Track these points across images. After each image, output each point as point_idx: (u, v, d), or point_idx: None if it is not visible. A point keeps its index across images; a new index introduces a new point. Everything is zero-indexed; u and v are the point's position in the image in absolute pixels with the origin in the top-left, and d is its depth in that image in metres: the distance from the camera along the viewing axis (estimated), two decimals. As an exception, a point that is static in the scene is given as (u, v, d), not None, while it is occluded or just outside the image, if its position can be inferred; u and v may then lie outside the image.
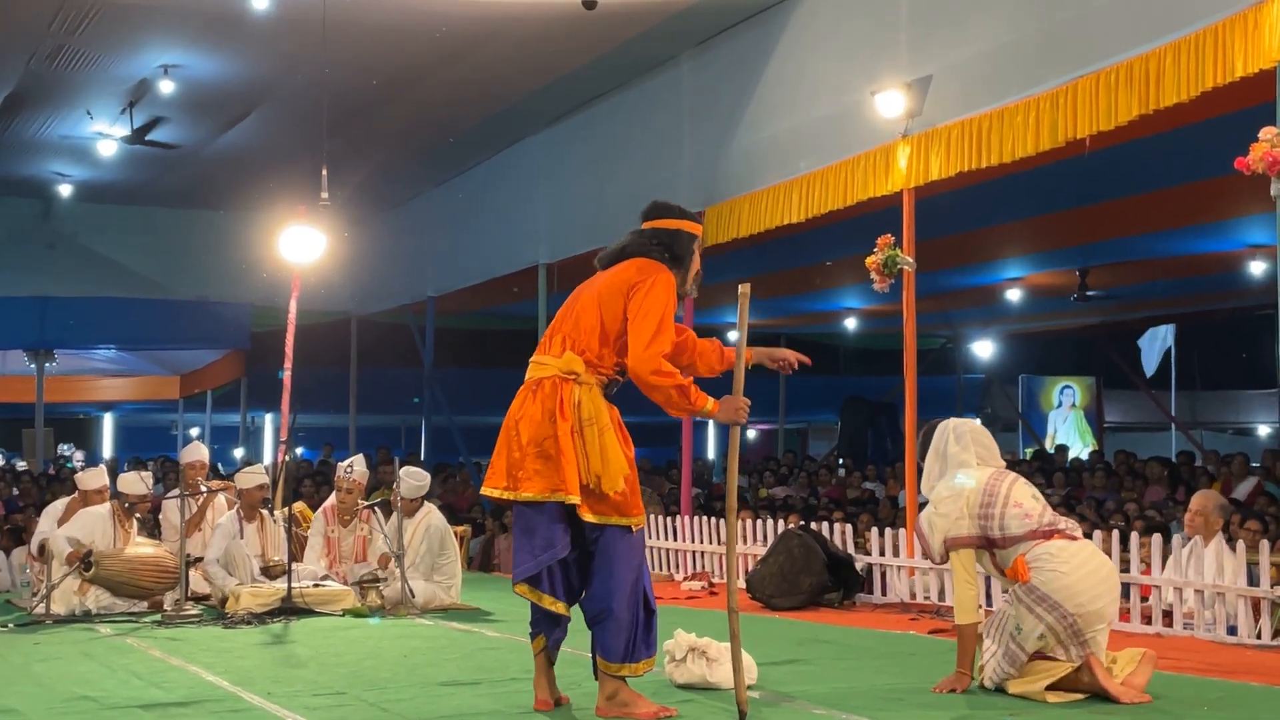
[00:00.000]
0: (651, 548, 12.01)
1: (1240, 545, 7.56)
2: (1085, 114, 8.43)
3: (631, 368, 5.06)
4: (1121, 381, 24.28)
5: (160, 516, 10.82)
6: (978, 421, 6.12)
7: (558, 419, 5.06)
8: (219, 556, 9.50)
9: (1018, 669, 5.62)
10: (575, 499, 5.04)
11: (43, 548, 9.35)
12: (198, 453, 10.76)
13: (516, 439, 5.15)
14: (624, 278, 5.17)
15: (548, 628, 5.25)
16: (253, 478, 9.89)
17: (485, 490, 5.30)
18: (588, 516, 5.09)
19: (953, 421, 6.12)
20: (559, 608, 5.20)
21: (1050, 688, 5.54)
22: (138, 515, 9.79)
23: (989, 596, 8.09)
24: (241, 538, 9.65)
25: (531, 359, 5.27)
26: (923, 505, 6.18)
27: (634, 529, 5.15)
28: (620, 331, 5.13)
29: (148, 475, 10.14)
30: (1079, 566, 5.59)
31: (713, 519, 11.43)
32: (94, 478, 9.99)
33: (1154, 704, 5.45)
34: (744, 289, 5.30)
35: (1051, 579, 5.55)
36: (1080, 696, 5.55)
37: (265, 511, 9.88)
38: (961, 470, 5.91)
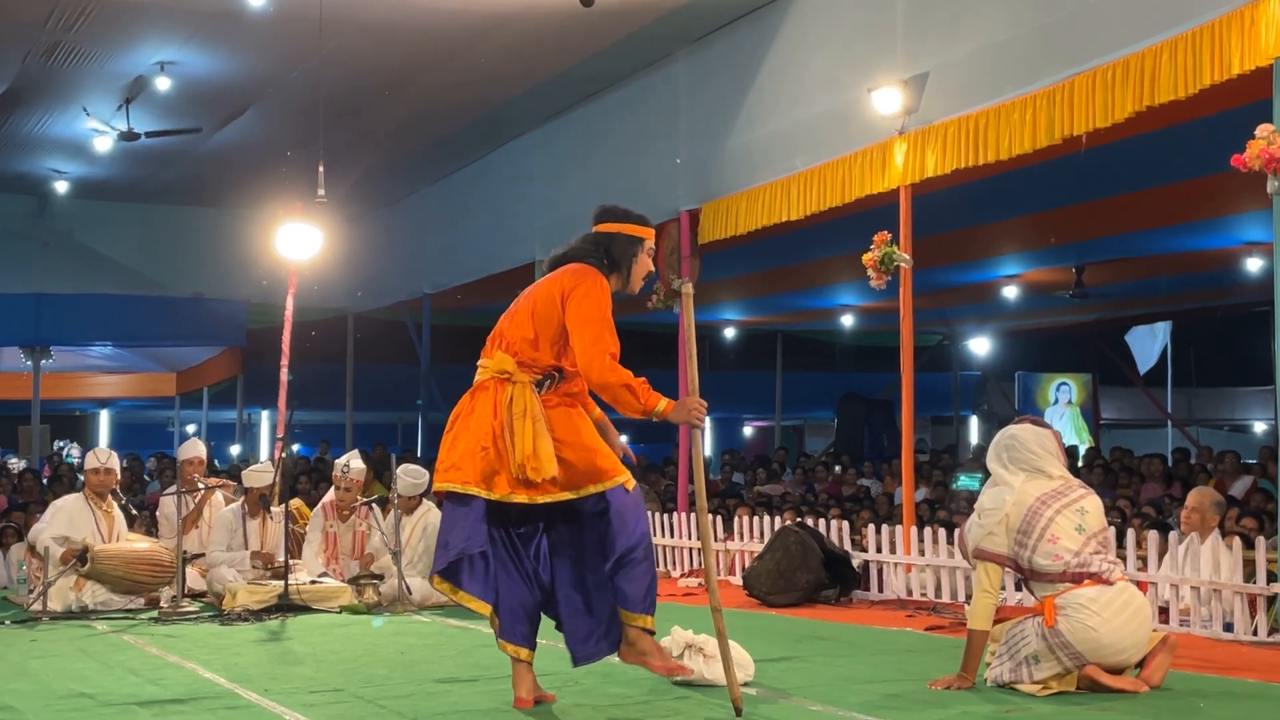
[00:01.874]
0: (648, 544, 12.01)
1: (1236, 542, 7.57)
2: (1082, 111, 8.43)
3: (582, 372, 5.13)
4: (1118, 378, 24.31)
5: (158, 513, 10.83)
6: (1023, 431, 5.87)
7: (488, 417, 5.16)
8: (221, 541, 9.58)
9: (1018, 682, 5.65)
10: (493, 494, 5.09)
11: (33, 547, 9.34)
12: (195, 449, 10.75)
13: (447, 435, 5.26)
14: (558, 284, 5.25)
15: (509, 626, 5.32)
16: (265, 477, 9.91)
17: (435, 485, 5.33)
18: (543, 497, 5.09)
19: (1012, 428, 5.93)
20: (476, 605, 5.25)
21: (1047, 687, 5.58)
22: (125, 505, 9.77)
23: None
24: (244, 533, 9.69)
25: (478, 364, 5.38)
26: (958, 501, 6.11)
27: (629, 486, 5.19)
28: (554, 336, 5.21)
29: (103, 449, 10.09)
30: (1110, 619, 5.51)
31: (710, 516, 11.41)
32: (90, 459, 9.88)
33: (1151, 702, 5.46)
34: (687, 289, 5.42)
35: (1079, 630, 5.50)
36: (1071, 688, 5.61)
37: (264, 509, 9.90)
38: (992, 496, 5.79)
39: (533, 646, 5.36)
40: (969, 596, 8.88)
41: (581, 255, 5.33)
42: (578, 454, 5.17)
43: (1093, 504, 5.73)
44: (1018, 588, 8.12)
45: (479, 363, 5.37)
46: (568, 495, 5.15)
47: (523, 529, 5.33)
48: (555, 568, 5.37)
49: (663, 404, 5.05)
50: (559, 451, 5.13)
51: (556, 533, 5.36)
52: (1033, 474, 5.75)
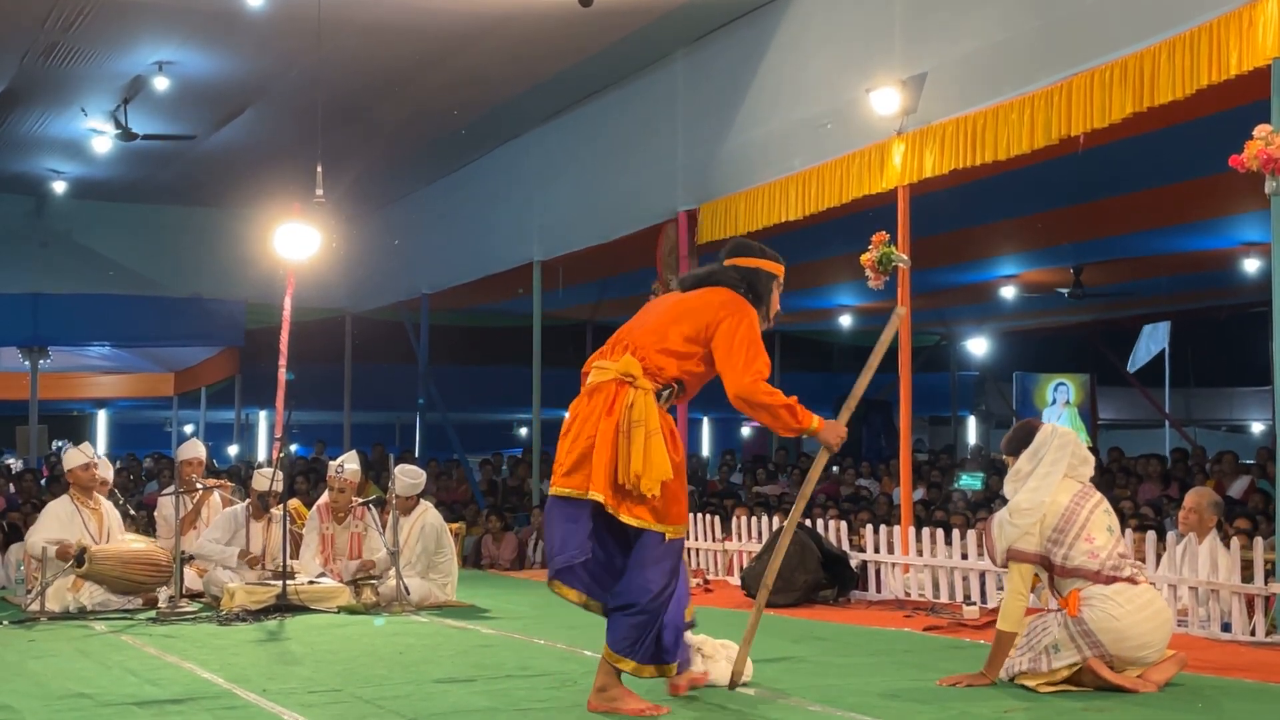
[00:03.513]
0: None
1: (1234, 542, 7.58)
2: (1080, 111, 8.44)
3: (735, 392, 5.17)
4: (1116, 379, 24.30)
5: (155, 513, 10.82)
6: (1075, 434, 6.05)
7: (603, 417, 5.15)
8: (219, 537, 9.59)
9: (1032, 671, 5.69)
10: (599, 496, 5.09)
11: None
12: (194, 450, 10.75)
13: (565, 436, 5.25)
14: (708, 304, 5.30)
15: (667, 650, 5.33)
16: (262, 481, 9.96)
17: (551, 490, 5.38)
18: (624, 518, 5.14)
19: (1057, 428, 6.03)
20: (591, 606, 5.30)
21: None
22: (122, 504, 9.76)
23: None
24: (247, 535, 9.70)
25: (593, 364, 5.37)
26: (984, 501, 6.16)
27: (668, 537, 5.19)
28: (688, 352, 5.25)
29: (88, 446, 10.03)
30: (1134, 612, 5.59)
31: (708, 516, 11.42)
32: (74, 457, 9.84)
33: (1149, 702, 5.47)
34: (902, 310, 5.74)
35: (1102, 619, 5.57)
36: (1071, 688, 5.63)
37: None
38: (1029, 492, 5.82)
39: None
40: (967, 597, 8.92)
41: (728, 283, 5.40)
42: (669, 490, 5.18)
43: (1111, 509, 5.87)
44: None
45: (596, 363, 5.35)
46: (628, 520, 5.15)
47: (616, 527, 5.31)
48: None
49: (815, 422, 5.24)
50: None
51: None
52: (1069, 477, 5.83)
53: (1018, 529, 5.75)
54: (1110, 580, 5.63)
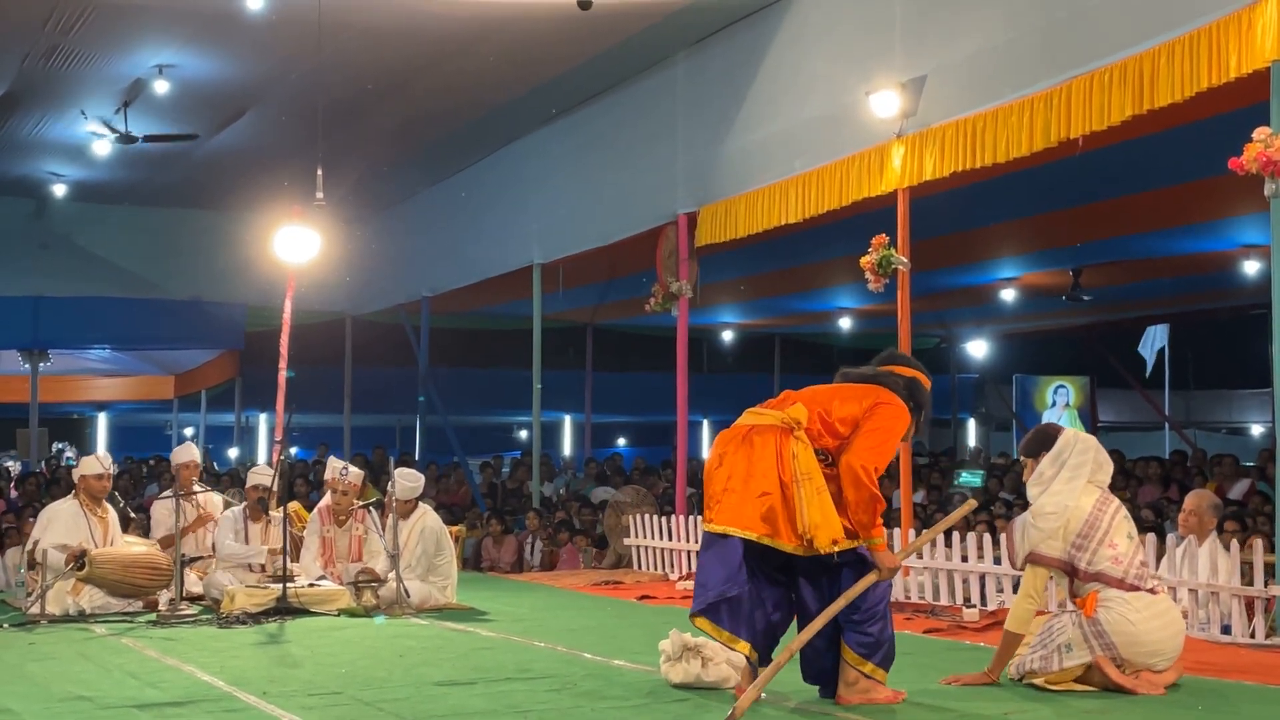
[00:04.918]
0: (646, 547, 12.03)
1: (1234, 544, 7.58)
2: (1079, 114, 8.44)
3: (848, 462, 5.33)
4: (1115, 381, 24.30)
5: (151, 516, 10.81)
6: (1096, 440, 6.13)
7: (776, 468, 5.31)
8: (233, 537, 9.67)
9: (1043, 669, 5.75)
10: (789, 547, 5.27)
11: (30, 556, 9.33)
12: (189, 453, 10.75)
13: (718, 473, 5.42)
14: (870, 394, 5.51)
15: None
16: (257, 478, 9.98)
17: (705, 526, 5.51)
18: (827, 549, 5.28)
19: (1080, 433, 6.11)
20: (736, 645, 5.40)
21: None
22: (122, 507, 9.76)
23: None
24: (246, 537, 9.71)
25: (748, 410, 5.59)
26: (1011, 503, 6.21)
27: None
28: (837, 431, 5.42)
29: (105, 456, 10.06)
30: (1151, 619, 5.66)
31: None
32: (90, 464, 9.85)
33: (1149, 704, 5.47)
34: (971, 502, 6.02)
35: (1118, 621, 5.63)
36: (1078, 687, 5.65)
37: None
38: (1054, 496, 5.89)
39: (757, 642, 5.47)
40: (967, 599, 8.92)
41: (893, 389, 5.56)
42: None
43: (1129, 513, 5.96)
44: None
45: (757, 410, 5.54)
46: (833, 548, 5.30)
47: (779, 564, 5.47)
48: (802, 602, 5.54)
49: (882, 537, 5.41)
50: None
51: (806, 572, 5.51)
52: (1091, 483, 5.90)
53: (1041, 533, 5.80)
54: (1133, 589, 5.70)
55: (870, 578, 5.39)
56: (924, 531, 5.95)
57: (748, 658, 5.40)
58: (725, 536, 5.33)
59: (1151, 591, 5.75)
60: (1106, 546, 5.72)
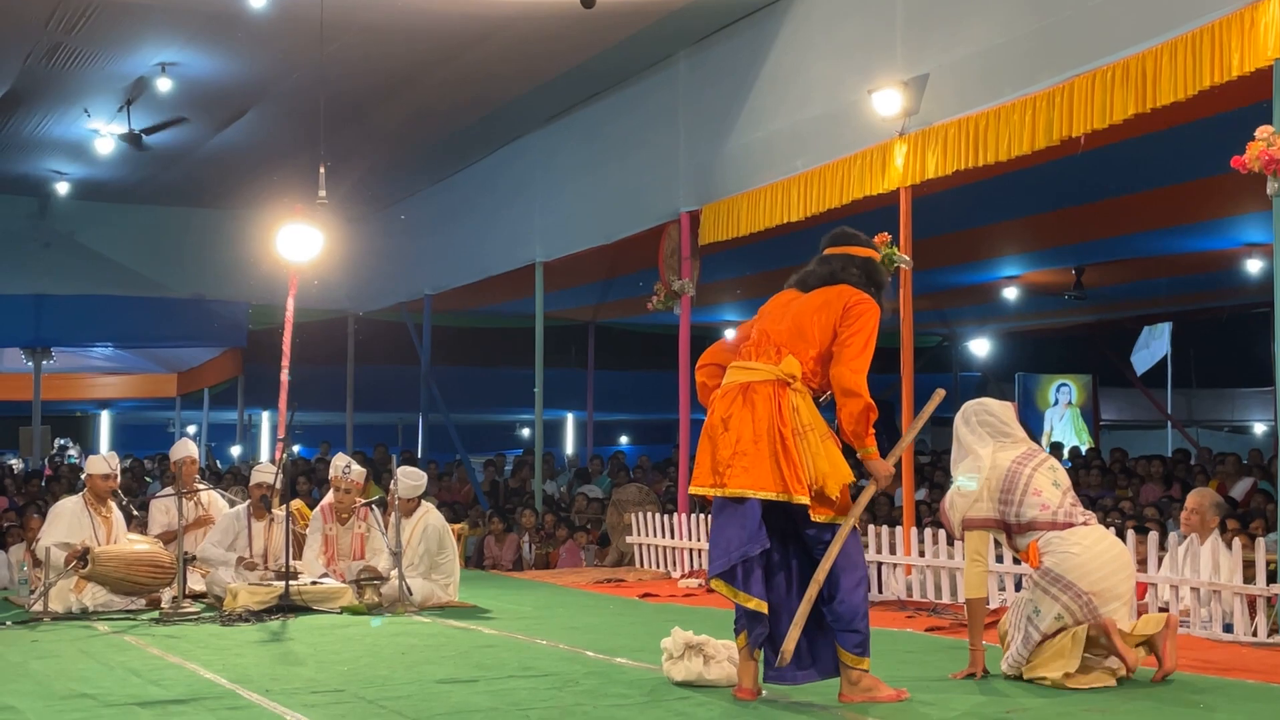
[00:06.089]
0: (649, 546, 12.04)
1: (1236, 543, 7.58)
2: (1081, 112, 8.44)
3: (837, 375, 5.30)
4: (1118, 379, 24.29)
5: (149, 513, 10.81)
6: (991, 401, 6.30)
7: (778, 423, 5.27)
8: (220, 540, 9.62)
9: (1029, 649, 5.81)
10: (804, 499, 5.24)
11: (33, 551, 9.34)
12: (187, 449, 10.74)
13: (725, 437, 5.35)
14: (835, 298, 5.41)
15: (749, 623, 5.43)
16: (261, 475, 9.98)
17: (692, 489, 5.51)
18: (818, 517, 5.29)
19: (969, 405, 6.28)
20: (755, 604, 5.37)
21: (1070, 675, 5.70)
22: (125, 505, 9.77)
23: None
24: (249, 535, 9.71)
25: (731, 365, 5.51)
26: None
27: (855, 527, 5.39)
28: (827, 353, 5.36)
29: (113, 456, 10.08)
30: (1090, 546, 5.79)
31: (709, 517, 11.41)
32: (97, 464, 9.86)
33: (1150, 702, 5.48)
34: (940, 391, 5.88)
35: (1063, 559, 5.76)
36: (1100, 684, 5.66)
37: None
38: (966, 469, 6.09)
39: (775, 600, 5.46)
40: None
41: (853, 282, 5.48)
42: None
43: (1059, 465, 6.13)
44: (999, 587, 8.13)
45: (746, 364, 5.46)
46: (822, 519, 5.31)
47: (784, 527, 5.45)
48: (795, 572, 5.52)
49: (873, 445, 5.34)
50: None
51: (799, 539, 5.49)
52: (1000, 440, 6.09)
53: (966, 499, 6.05)
54: (1065, 526, 5.84)
55: (870, 491, 5.39)
56: (906, 431, 6.02)
57: (763, 614, 5.38)
58: (741, 501, 5.29)
59: (1085, 525, 5.88)
60: (1032, 495, 5.89)
